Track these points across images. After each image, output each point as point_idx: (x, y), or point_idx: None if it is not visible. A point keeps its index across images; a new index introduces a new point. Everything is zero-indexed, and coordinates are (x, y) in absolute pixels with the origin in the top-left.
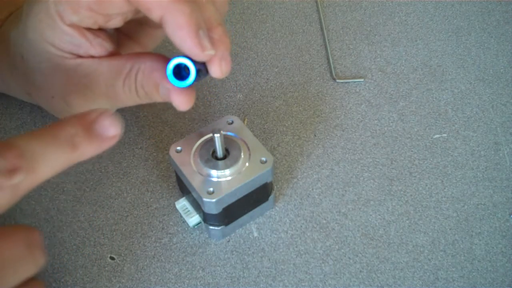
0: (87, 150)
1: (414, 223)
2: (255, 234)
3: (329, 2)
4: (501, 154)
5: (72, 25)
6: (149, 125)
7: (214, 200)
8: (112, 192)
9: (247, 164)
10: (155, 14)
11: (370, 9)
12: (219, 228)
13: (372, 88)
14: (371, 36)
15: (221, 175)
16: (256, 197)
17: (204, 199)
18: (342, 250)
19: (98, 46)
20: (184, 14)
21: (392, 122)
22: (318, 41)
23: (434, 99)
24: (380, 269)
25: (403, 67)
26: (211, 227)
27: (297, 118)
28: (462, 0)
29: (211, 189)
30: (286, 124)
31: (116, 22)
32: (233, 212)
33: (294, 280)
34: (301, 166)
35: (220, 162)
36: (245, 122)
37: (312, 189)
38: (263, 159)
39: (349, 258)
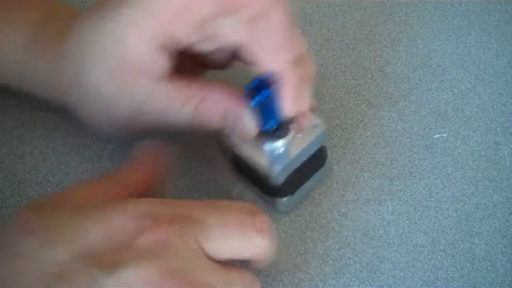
0: None
1: (414, 223)
2: None
3: (329, 2)
4: (501, 154)
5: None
6: None
7: (279, 169)
8: None
9: (299, 135)
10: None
11: (370, 9)
12: (285, 198)
13: (372, 88)
14: (371, 36)
15: (277, 146)
16: (314, 163)
17: (272, 169)
18: (342, 250)
19: (161, 65)
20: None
21: (392, 122)
22: (318, 41)
23: (434, 99)
24: (380, 269)
25: (403, 67)
26: (277, 199)
27: None
28: (462, 0)
29: (273, 159)
30: None
31: (193, 40)
32: (296, 181)
33: (294, 280)
34: None
35: (273, 134)
36: None
37: (312, 189)
38: (314, 123)
39: (349, 258)
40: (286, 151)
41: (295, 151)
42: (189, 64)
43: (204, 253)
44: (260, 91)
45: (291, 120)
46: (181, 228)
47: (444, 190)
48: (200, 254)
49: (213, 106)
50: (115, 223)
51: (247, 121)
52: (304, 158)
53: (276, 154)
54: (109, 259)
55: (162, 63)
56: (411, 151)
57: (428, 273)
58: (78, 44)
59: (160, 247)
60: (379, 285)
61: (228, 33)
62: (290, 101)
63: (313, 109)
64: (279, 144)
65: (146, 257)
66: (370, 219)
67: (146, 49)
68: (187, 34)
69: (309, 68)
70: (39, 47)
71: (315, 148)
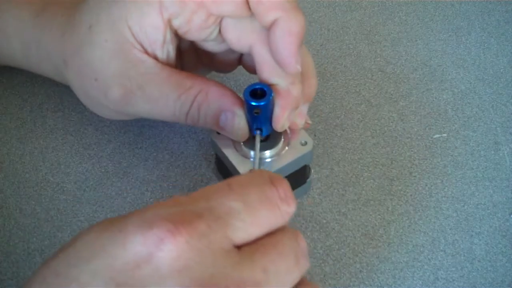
0: None
1: (414, 223)
2: None
3: (329, 2)
4: (501, 154)
5: (165, 21)
6: (149, 125)
7: None
8: (112, 192)
9: (287, 147)
10: (269, 17)
11: (370, 9)
12: None
13: (372, 88)
14: (371, 36)
15: (263, 157)
16: (295, 179)
17: None
18: (342, 250)
19: (166, 51)
20: (301, 24)
21: (392, 122)
22: (318, 41)
23: (434, 99)
24: (380, 269)
25: (403, 67)
26: None
27: None
28: (462, 0)
29: (255, 168)
30: None
31: (205, 33)
32: None
33: None
34: None
35: (262, 144)
36: None
37: (312, 189)
38: (303, 141)
39: (349, 258)
40: (270, 162)
41: (278, 164)
42: (192, 63)
43: (233, 247)
44: (258, 97)
45: (281, 133)
46: (206, 225)
47: (444, 190)
48: (228, 252)
49: (210, 101)
50: (135, 239)
51: (239, 123)
52: (286, 173)
53: (260, 164)
54: (131, 282)
55: (171, 48)
56: (411, 151)
57: (428, 273)
58: (90, 13)
59: (182, 256)
60: (379, 285)
61: (241, 35)
62: (283, 116)
63: (306, 128)
64: (265, 155)
65: (168, 273)
66: (370, 219)
67: (163, 26)
68: (200, 27)
69: (311, 86)
70: (47, 16)
71: (299, 166)
